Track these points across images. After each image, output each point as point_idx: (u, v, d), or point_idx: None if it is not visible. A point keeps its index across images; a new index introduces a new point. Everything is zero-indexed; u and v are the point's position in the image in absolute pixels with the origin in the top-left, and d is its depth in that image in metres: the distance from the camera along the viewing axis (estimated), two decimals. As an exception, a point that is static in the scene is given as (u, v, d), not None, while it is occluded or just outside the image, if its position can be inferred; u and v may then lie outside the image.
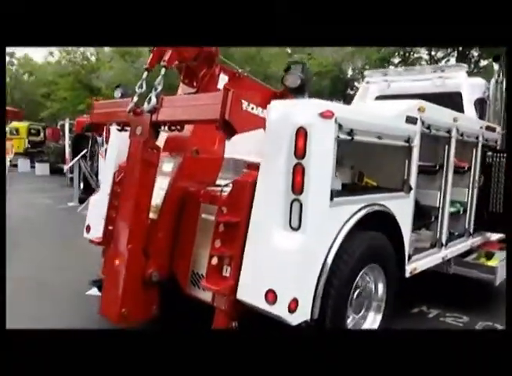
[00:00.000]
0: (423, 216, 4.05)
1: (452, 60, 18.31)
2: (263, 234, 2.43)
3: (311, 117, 2.33)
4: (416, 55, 20.01)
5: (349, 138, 2.56)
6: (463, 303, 4.32)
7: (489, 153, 4.89)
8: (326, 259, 2.52)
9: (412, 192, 3.37)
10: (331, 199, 2.51)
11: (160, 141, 3.12)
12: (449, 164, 3.95)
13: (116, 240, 2.88)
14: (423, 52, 19.74)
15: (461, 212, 4.66)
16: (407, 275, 3.40)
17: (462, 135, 4.07)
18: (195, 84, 3.08)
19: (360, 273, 2.84)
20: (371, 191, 3.04)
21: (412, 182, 3.35)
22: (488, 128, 4.79)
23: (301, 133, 2.33)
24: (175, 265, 2.90)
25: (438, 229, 4.00)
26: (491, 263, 4.26)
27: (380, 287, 3.16)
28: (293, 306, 2.32)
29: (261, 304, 2.35)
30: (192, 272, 2.81)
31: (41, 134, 19.15)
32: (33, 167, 17.22)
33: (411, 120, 3.21)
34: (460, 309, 4.18)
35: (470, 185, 4.64)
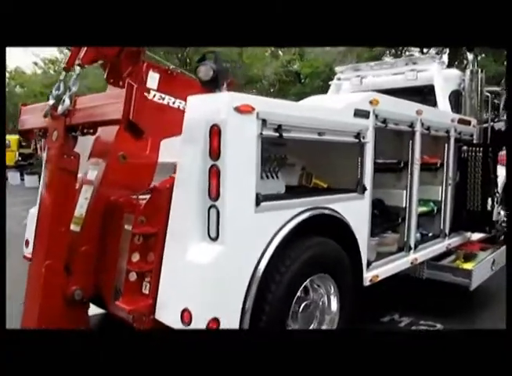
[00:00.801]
0: (389, 218, 3.77)
1: (445, 57, 18.04)
2: (179, 246, 2.16)
3: (225, 112, 2.06)
4: (407, 53, 19.76)
5: (276, 135, 2.30)
6: (437, 310, 4.02)
7: (464, 148, 4.61)
8: (255, 272, 2.24)
9: (368, 192, 3.09)
10: (257, 204, 2.24)
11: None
12: (414, 161, 3.67)
13: (34, 256, 2.63)
14: (414, 50, 19.46)
15: (435, 212, 4.38)
16: (366, 283, 3.11)
17: (428, 129, 3.79)
18: (120, 83, 2.82)
19: (303, 285, 2.56)
20: (315, 193, 2.76)
21: (367, 181, 3.08)
22: (461, 122, 4.50)
23: (215, 131, 2.07)
24: (100, 282, 2.64)
25: (406, 232, 3.71)
26: (466, 266, 3.96)
27: (333, 298, 2.88)
28: (212, 327, 2.04)
29: (177, 325, 2.07)
30: (115, 289, 2.55)
31: (32, 146, 18.99)
32: (23, 179, 17.04)
33: (361, 113, 2.94)
34: (434, 316, 3.87)
35: (444, 182, 4.35)
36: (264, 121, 2.22)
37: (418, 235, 4.13)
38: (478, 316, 3.91)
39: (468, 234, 4.80)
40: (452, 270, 3.92)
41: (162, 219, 2.26)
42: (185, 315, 2.04)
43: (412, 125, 3.53)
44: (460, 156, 4.63)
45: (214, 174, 2.08)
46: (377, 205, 3.71)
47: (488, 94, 5.25)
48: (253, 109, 2.13)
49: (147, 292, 2.27)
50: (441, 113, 4.23)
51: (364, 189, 3.03)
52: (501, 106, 5.82)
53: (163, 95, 3.08)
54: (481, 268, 3.99)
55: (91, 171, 2.80)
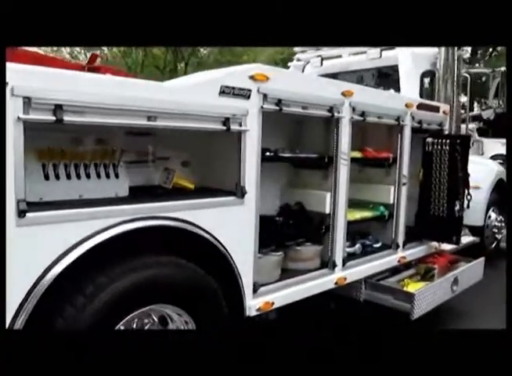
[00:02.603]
0: (309, 225, 3.02)
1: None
2: None
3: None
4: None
5: (52, 119, 1.62)
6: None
7: (429, 140, 3.79)
8: (20, 309, 1.60)
9: (252, 196, 2.37)
10: (20, 215, 1.58)
11: None
12: (340, 155, 2.91)
13: None
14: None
15: (386, 217, 3.59)
16: (252, 313, 2.40)
17: (363, 114, 3.01)
18: None
19: (126, 319, 1.89)
20: (159, 198, 2.07)
21: (250, 182, 2.35)
22: (422, 107, 3.67)
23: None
24: None
25: (330, 244, 2.96)
26: (410, 288, 3.17)
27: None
28: None
29: None
30: None
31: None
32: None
33: (233, 92, 2.22)
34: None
35: (396, 182, 3.56)
36: (27, 99, 1.55)
37: (358, 246, 3.38)
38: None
39: (435, 243, 3.98)
40: (392, 292, 3.13)
41: None
42: None
43: (332, 110, 2.77)
44: (424, 149, 3.82)
45: None
46: (292, 210, 2.99)
47: (467, 75, 4.36)
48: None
49: None
50: (389, 97, 3.41)
51: (243, 192, 2.31)
52: (491, 91, 4.91)
53: None
54: (432, 290, 3.18)
55: None
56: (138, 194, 2.17)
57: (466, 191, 3.91)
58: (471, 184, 4.99)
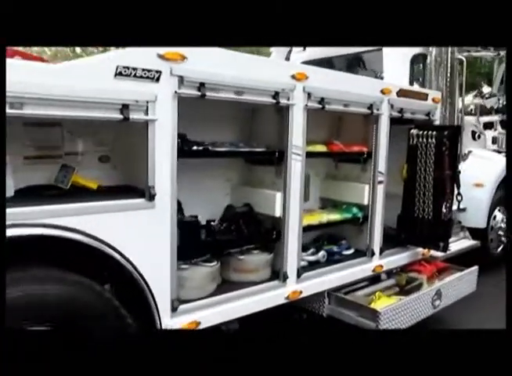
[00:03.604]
0: (258, 231, 2.62)
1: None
2: None
3: None
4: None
5: None
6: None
7: (414, 132, 3.31)
8: None
9: (166, 198, 2.00)
10: None
11: None
12: (291, 149, 2.49)
13: None
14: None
15: (360, 220, 3.15)
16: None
17: (321, 102, 2.58)
18: None
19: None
20: (35, 201, 1.72)
21: (163, 181, 1.97)
22: (405, 94, 3.20)
23: None
24: None
25: (282, 252, 2.56)
26: (379, 304, 2.72)
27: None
28: None
29: None
30: None
31: None
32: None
33: (135, 74, 1.83)
34: None
35: (371, 180, 3.11)
36: None
37: (322, 254, 2.97)
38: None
39: (420, 249, 3.51)
40: (356, 308, 2.70)
41: None
42: None
43: (278, 96, 2.35)
44: (408, 143, 3.35)
45: None
46: (237, 212, 2.59)
47: (463, 58, 3.83)
48: None
49: None
50: (359, 81, 2.94)
51: (151, 193, 1.93)
52: (496, 77, 4.34)
53: None
54: (405, 306, 2.73)
55: None
56: (25, 196, 1.84)
57: (456, 190, 3.41)
58: (474, 181, 4.52)
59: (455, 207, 3.51)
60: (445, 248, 3.25)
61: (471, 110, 5.18)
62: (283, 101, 2.37)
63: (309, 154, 2.69)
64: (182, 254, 2.26)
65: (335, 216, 3.02)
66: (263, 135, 2.71)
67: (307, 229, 2.81)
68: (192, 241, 2.28)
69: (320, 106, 2.57)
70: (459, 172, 3.35)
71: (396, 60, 3.81)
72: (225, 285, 2.44)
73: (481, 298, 3.62)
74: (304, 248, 2.99)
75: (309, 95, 2.51)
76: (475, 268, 3.44)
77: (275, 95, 2.34)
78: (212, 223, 2.44)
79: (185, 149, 2.16)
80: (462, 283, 3.30)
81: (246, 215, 2.61)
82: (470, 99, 5.42)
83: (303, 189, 2.58)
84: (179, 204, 2.38)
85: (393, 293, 3.03)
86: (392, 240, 3.41)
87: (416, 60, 3.94)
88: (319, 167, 3.40)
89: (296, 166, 2.52)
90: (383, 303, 2.71)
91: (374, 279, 3.31)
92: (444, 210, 3.21)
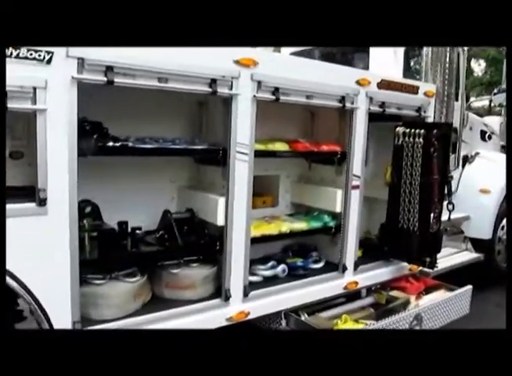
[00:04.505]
0: (199, 241, 2.27)
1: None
2: None
3: None
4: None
5: None
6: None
7: (399, 130, 2.89)
8: None
9: (63, 203, 1.68)
10: None
11: None
12: (234, 147, 2.12)
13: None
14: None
15: (333, 230, 2.77)
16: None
17: (275, 92, 2.20)
18: None
19: None
20: None
21: (57, 184, 1.66)
22: (388, 86, 2.78)
23: None
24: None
25: (225, 266, 2.21)
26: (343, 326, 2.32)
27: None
28: None
29: None
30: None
31: None
32: None
33: (18, 55, 1.52)
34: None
35: (345, 184, 2.71)
36: None
37: (282, 268, 2.61)
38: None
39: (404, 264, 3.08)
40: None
41: None
42: None
43: (214, 84, 1.99)
44: (394, 142, 2.93)
45: None
46: (175, 219, 2.25)
47: (464, 50, 3.36)
48: None
49: None
50: (327, 70, 2.53)
51: (40, 197, 1.62)
52: (505, 71, 3.84)
53: None
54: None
55: None
56: None
57: (447, 199, 2.96)
58: (480, 187, 4.02)
59: (445, 217, 3.05)
60: (432, 265, 2.81)
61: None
62: (221, 90, 2.01)
63: (263, 153, 2.34)
64: (98, 267, 1.97)
65: (300, 225, 2.64)
66: (212, 131, 2.37)
67: (263, 239, 2.45)
68: (111, 252, 1.97)
69: (273, 97, 2.20)
70: (451, 178, 2.91)
71: (386, 50, 3.38)
72: (155, 303, 2.12)
73: (478, 318, 3.15)
74: (264, 261, 2.65)
75: (259, 84, 2.14)
76: (468, 288, 2.99)
77: (212, 82, 1.99)
78: (138, 231, 2.11)
79: (100, 145, 1.85)
80: (451, 305, 2.86)
81: (186, 223, 2.28)
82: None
83: (251, 195, 2.21)
84: (97, 208, 2.08)
85: (364, 315, 2.62)
86: (372, 252, 3.02)
87: (411, 51, 3.50)
88: (290, 168, 3.03)
89: (241, 167, 2.16)
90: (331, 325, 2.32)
91: (353, 295, 2.93)
92: (432, 220, 2.78)
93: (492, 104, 3.97)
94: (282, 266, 2.56)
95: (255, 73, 2.12)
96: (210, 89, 1.99)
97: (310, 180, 3.03)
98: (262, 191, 3.02)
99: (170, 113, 2.37)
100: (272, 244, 2.79)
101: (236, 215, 2.17)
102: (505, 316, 1.75)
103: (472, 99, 5.02)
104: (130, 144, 1.94)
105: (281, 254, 2.88)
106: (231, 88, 2.05)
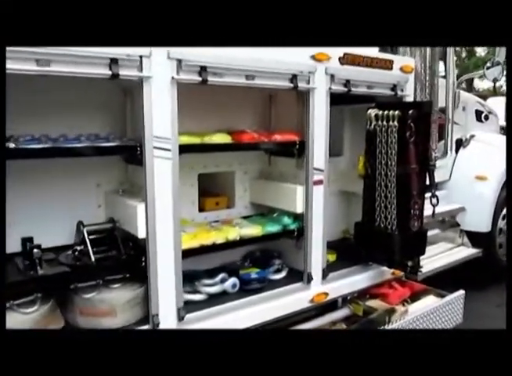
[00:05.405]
0: (119, 258, 1.89)
1: None
2: None
3: None
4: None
5: None
6: None
7: (371, 112, 2.47)
8: None
9: None
10: None
11: None
12: (149, 141, 1.72)
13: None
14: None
15: (295, 233, 2.36)
16: None
17: (201, 73, 1.80)
18: None
19: None
20: None
21: None
22: (353, 61, 2.36)
23: None
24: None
25: (149, 289, 1.82)
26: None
27: None
28: None
29: None
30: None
31: None
32: None
33: None
34: None
35: (306, 179, 2.30)
36: None
37: (232, 283, 2.22)
38: None
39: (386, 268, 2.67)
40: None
41: None
42: None
43: (116, 65, 1.59)
44: (366, 127, 2.50)
45: None
46: (89, 231, 1.87)
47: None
48: None
49: None
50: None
51: None
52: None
53: None
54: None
55: None
56: None
57: (431, 191, 2.53)
58: (475, 173, 3.58)
59: (429, 212, 2.62)
60: (415, 270, 2.41)
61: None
62: (124, 72, 1.62)
63: (196, 148, 1.95)
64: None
65: (253, 231, 2.23)
66: (137, 125, 1.98)
67: (205, 250, 2.07)
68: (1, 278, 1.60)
69: (199, 78, 1.79)
70: (434, 167, 2.47)
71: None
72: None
73: (477, 322, 2.73)
74: (213, 273, 2.26)
75: (179, 63, 1.74)
76: (460, 293, 2.56)
77: (112, 63, 1.59)
78: (35, 250, 1.73)
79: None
80: (440, 314, 2.45)
81: (108, 235, 1.89)
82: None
83: (178, 200, 1.82)
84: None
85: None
86: (347, 255, 2.62)
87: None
88: (248, 163, 2.62)
89: (162, 166, 1.76)
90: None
91: (328, 307, 2.54)
92: (412, 217, 2.37)
93: (485, 80, 3.53)
94: (232, 280, 2.17)
95: (172, 51, 1.72)
96: (110, 72, 1.59)
97: (270, 176, 2.63)
98: (216, 191, 2.64)
99: (84, 106, 1.98)
100: (232, 251, 2.41)
101: (160, 224, 1.78)
102: (504, 320, 1.69)
103: (465, 76, 4.52)
104: (11, 145, 1.56)
105: (240, 263, 2.50)
106: (141, 70, 1.65)
